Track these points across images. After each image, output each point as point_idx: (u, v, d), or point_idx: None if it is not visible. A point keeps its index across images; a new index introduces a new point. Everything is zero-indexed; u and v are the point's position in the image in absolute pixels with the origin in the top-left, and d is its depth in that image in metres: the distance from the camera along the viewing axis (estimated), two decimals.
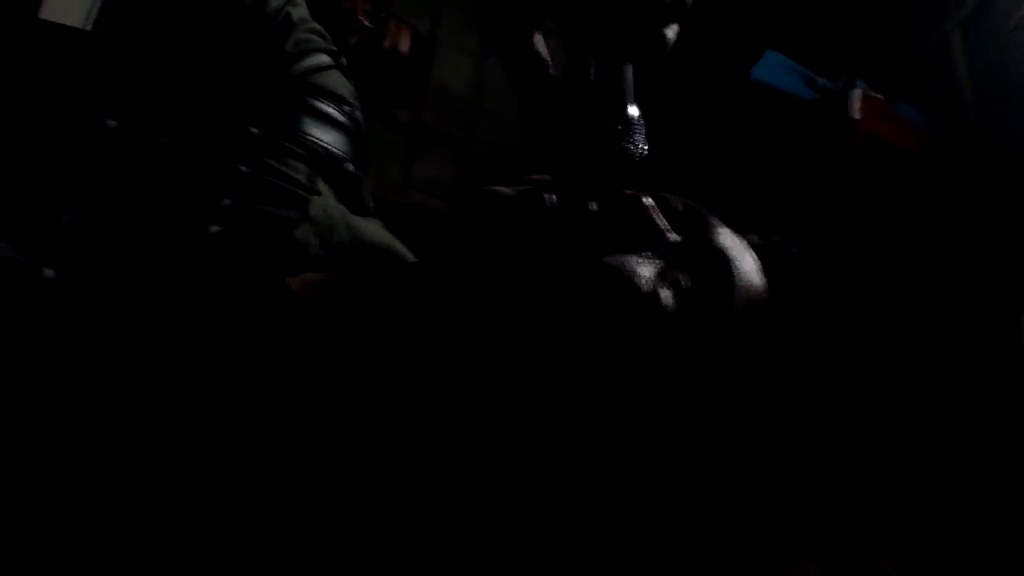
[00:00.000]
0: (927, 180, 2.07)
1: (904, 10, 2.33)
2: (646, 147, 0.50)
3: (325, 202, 0.69)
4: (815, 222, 1.95)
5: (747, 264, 0.61)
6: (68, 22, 0.88)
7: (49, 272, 0.57)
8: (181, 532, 0.51)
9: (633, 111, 0.49)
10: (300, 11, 0.76)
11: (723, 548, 0.60)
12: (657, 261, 0.56)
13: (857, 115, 2.13)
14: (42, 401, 0.53)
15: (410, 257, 0.73)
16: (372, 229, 0.72)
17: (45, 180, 0.62)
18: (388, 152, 2.55)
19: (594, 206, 0.54)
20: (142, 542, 0.50)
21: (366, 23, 1.69)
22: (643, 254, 0.55)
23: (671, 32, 0.43)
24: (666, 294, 0.55)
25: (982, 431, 1.56)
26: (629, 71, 0.47)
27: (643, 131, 0.50)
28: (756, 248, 0.64)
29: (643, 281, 0.54)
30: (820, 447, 0.64)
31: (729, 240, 0.61)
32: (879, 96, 2.20)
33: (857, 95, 2.17)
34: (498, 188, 0.56)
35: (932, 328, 1.76)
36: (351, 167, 0.74)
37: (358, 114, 0.78)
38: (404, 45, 1.74)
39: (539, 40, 0.46)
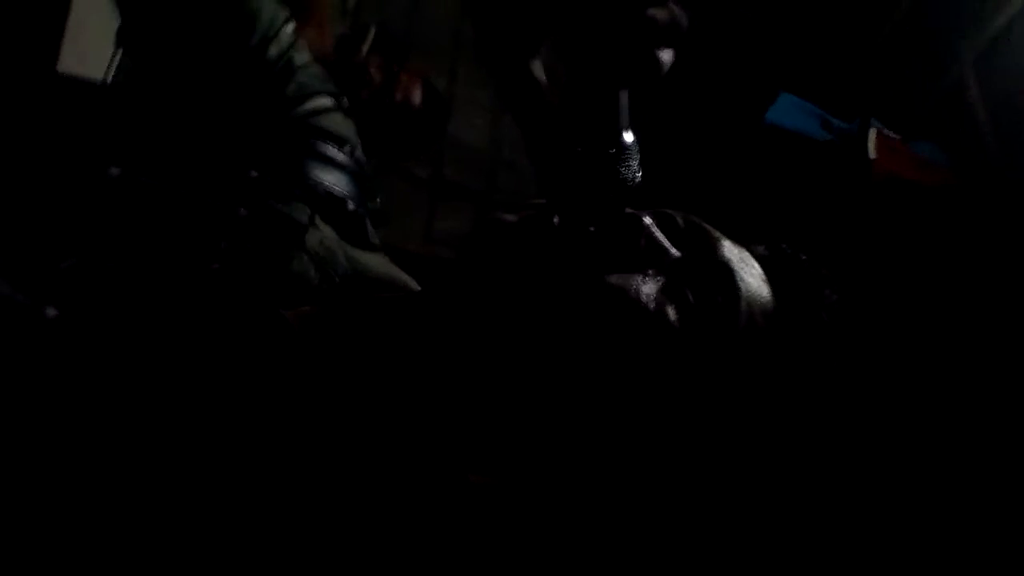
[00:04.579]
0: (948, 216, 2.05)
1: (917, 50, 2.34)
2: (640, 171, 0.50)
3: (324, 236, 0.70)
4: (835, 260, 1.94)
5: (751, 276, 0.61)
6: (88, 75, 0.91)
7: (52, 311, 0.58)
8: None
9: (628, 136, 0.49)
10: (302, 55, 0.78)
11: (727, 557, 0.59)
12: (660, 278, 0.56)
13: (874, 154, 2.12)
14: (45, 432, 0.54)
15: (415, 288, 0.74)
16: (375, 262, 0.73)
17: (50, 225, 0.64)
18: (409, 207, 2.58)
19: (593, 227, 0.54)
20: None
21: (377, 76, 1.72)
22: (646, 272, 0.56)
23: (666, 56, 0.44)
24: (671, 310, 0.55)
25: (995, 455, 1.53)
26: (624, 96, 0.47)
27: (637, 156, 0.50)
28: (763, 259, 0.64)
29: (647, 299, 0.54)
30: (829, 458, 0.63)
31: (732, 253, 0.61)
32: (895, 135, 2.19)
33: (873, 135, 2.16)
34: (502, 215, 0.57)
35: (954, 356, 1.73)
36: (352, 205, 0.76)
37: (360, 153, 0.80)
38: (416, 97, 1.77)
39: (536, 65, 0.47)
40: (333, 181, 0.75)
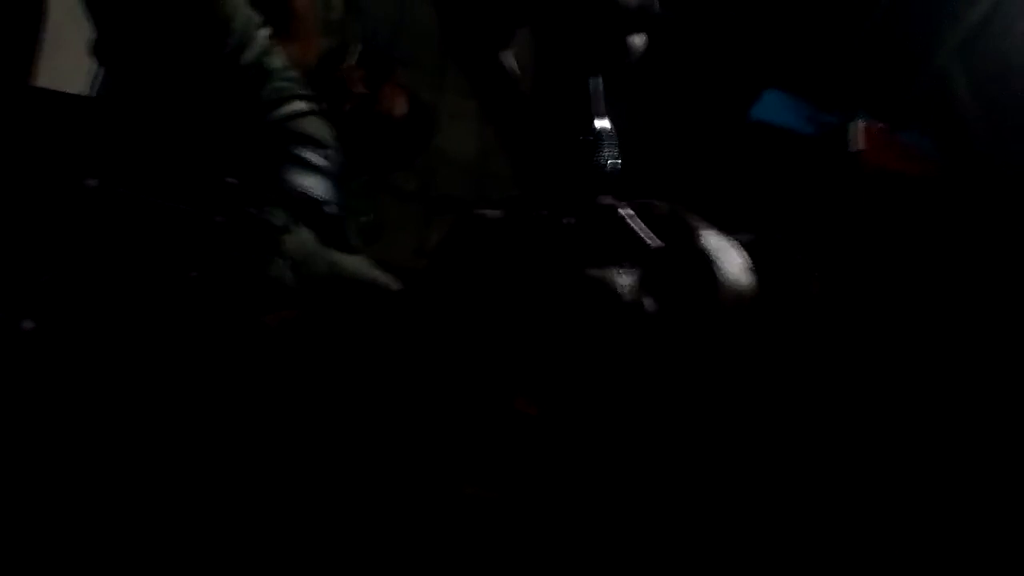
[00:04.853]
0: (937, 205, 2.05)
1: (900, 39, 2.35)
2: (618, 158, 0.50)
3: (301, 239, 0.70)
4: (823, 255, 1.94)
5: (732, 264, 0.60)
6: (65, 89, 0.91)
7: (28, 323, 0.58)
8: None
9: (602, 123, 0.49)
10: (275, 60, 0.77)
11: (720, 547, 0.58)
12: (638, 269, 0.56)
13: (861, 146, 2.13)
14: (23, 443, 0.54)
15: (396, 288, 0.74)
16: (354, 263, 0.73)
17: (28, 238, 0.64)
18: (400, 221, 2.58)
19: (570, 219, 0.54)
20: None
21: (360, 89, 1.72)
22: (625, 263, 0.55)
23: (637, 41, 0.43)
24: (648, 301, 0.55)
25: (985, 443, 1.52)
26: (597, 83, 0.47)
27: (614, 143, 0.50)
28: (748, 245, 0.63)
29: (623, 290, 0.54)
30: (815, 446, 0.62)
31: (713, 241, 0.60)
32: (882, 126, 2.19)
33: (861, 127, 2.17)
34: (483, 211, 0.57)
35: (943, 346, 1.73)
36: (331, 208, 0.76)
37: (338, 156, 0.80)
38: (399, 108, 1.77)
39: (507, 56, 0.46)
40: (310, 185, 0.75)
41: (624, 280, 0.54)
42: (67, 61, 0.98)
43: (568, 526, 0.57)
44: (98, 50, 0.78)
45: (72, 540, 0.52)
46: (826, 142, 2.19)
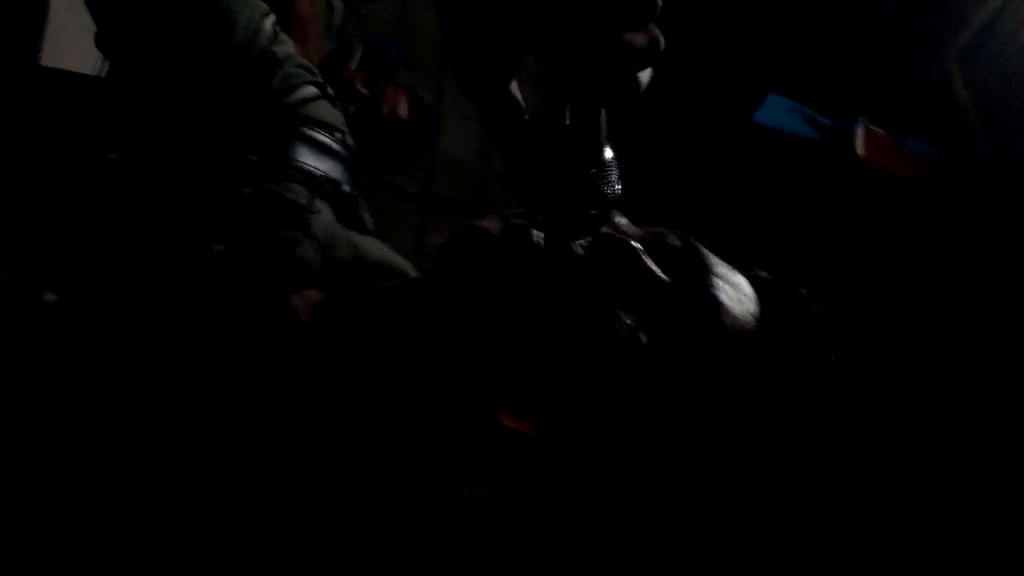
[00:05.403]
0: (938, 210, 2.06)
1: (902, 46, 2.36)
2: (619, 188, 0.50)
3: (326, 220, 0.70)
4: (824, 260, 1.94)
5: (739, 308, 0.59)
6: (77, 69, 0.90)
7: (50, 296, 0.58)
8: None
9: (607, 154, 0.49)
10: (285, 48, 0.78)
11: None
12: (643, 307, 0.55)
13: (862, 152, 2.13)
14: (44, 417, 0.53)
15: (412, 273, 0.74)
16: (374, 247, 0.74)
17: (50, 212, 0.63)
18: (400, 221, 2.59)
19: (580, 250, 0.54)
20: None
21: (363, 91, 1.73)
22: (630, 300, 0.55)
23: (644, 76, 0.44)
24: (647, 339, 0.54)
25: (988, 473, 1.52)
26: (603, 115, 0.47)
27: (617, 173, 0.50)
28: (760, 283, 0.62)
29: (624, 328, 0.54)
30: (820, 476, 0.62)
31: (722, 282, 0.59)
32: (883, 132, 2.20)
33: (860, 132, 2.17)
34: (484, 224, 0.56)
35: (948, 363, 1.73)
36: (348, 188, 0.76)
37: (350, 140, 0.80)
38: (403, 110, 1.78)
39: (514, 86, 0.46)
40: (327, 167, 0.75)
41: (626, 319, 0.54)
42: (71, 52, 0.97)
43: (564, 526, 0.57)
44: (102, 43, 0.78)
45: (89, 519, 0.51)
46: (827, 146, 2.19)
